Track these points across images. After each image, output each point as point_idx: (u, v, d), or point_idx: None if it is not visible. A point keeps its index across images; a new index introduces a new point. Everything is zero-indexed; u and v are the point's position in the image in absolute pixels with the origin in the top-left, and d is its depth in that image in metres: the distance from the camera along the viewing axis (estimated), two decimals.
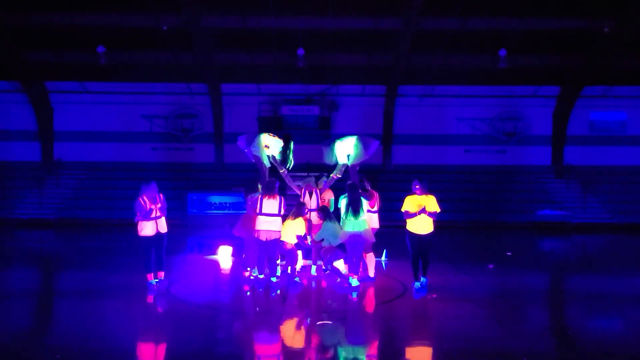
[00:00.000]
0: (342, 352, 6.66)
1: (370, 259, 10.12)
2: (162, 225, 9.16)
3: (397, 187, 19.28)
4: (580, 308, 9.23)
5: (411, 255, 9.27)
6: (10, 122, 25.23)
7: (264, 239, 9.58)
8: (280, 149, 10.87)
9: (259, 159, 10.69)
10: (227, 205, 22.08)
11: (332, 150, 10.83)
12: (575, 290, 10.78)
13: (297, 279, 9.99)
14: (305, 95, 25.12)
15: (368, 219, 9.73)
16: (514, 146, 25.83)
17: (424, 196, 9.15)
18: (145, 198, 9.01)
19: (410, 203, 9.10)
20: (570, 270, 13.47)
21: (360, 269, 9.86)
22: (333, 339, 7.12)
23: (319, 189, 10.93)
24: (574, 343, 7.12)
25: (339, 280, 9.94)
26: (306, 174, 12.91)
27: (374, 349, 6.91)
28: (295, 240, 9.93)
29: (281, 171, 10.95)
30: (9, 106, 25.18)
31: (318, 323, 7.58)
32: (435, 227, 9.24)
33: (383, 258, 12.67)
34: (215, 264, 12.37)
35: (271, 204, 9.59)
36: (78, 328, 7.33)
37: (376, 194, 10.25)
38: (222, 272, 11.67)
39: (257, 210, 9.62)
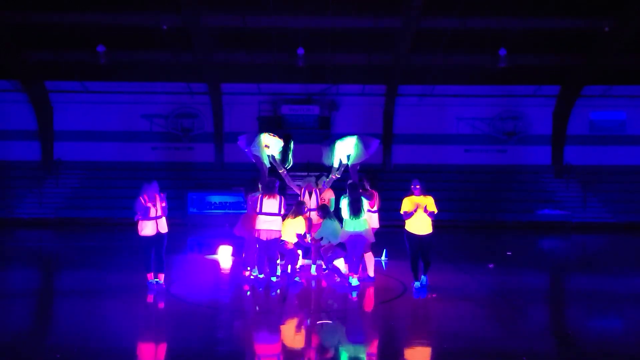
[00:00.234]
0: (342, 352, 6.66)
1: (369, 258, 10.13)
2: (163, 225, 9.15)
3: (397, 186, 19.27)
4: (580, 308, 9.23)
5: (410, 256, 9.27)
6: (10, 122, 25.23)
7: (265, 239, 9.59)
8: (280, 149, 10.88)
9: (259, 159, 10.69)
10: (227, 204, 22.08)
11: (332, 150, 10.85)
12: (575, 290, 10.79)
13: (297, 278, 10.00)
14: (305, 95, 25.12)
15: (368, 219, 9.74)
16: (514, 146, 25.83)
17: (422, 197, 9.14)
18: (146, 197, 9.00)
19: (409, 203, 9.10)
20: (570, 270, 13.47)
21: (360, 269, 9.87)
22: (333, 339, 7.12)
23: (319, 189, 10.94)
24: (574, 343, 7.12)
25: (338, 279, 9.94)
26: (306, 173, 12.94)
27: (374, 348, 6.91)
28: (295, 239, 9.94)
29: (280, 171, 10.97)
30: (9, 106, 25.18)
31: (318, 322, 7.59)
32: (434, 227, 9.24)
33: (383, 258, 12.68)
34: (215, 263, 12.37)
35: (271, 204, 9.60)
36: (78, 328, 7.33)
37: (376, 194, 10.25)
38: (222, 271, 11.68)
39: (257, 210, 9.63)
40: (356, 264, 9.63)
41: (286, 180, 11.06)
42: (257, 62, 23.50)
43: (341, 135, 11.26)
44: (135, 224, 9.19)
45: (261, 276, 9.89)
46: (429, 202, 9.14)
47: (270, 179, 10.02)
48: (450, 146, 25.71)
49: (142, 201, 8.98)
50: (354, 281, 9.54)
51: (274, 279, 9.65)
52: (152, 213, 9.01)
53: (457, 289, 9.77)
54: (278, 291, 9.34)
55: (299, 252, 10.53)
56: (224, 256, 13.01)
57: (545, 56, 23.47)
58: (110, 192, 23.33)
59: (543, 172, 25.40)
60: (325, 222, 10.02)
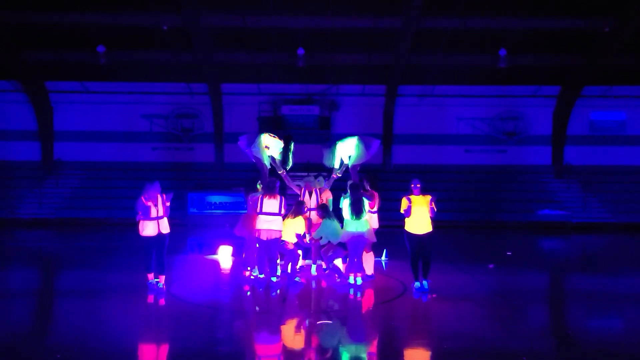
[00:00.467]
0: (342, 352, 6.66)
1: (369, 257, 10.13)
2: (164, 226, 9.12)
3: (397, 186, 19.26)
4: (580, 308, 9.23)
5: (410, 256, 9.26)
6: (10, 122, 25.24)
7: (265, 239, 9.59)
8: (281, 150, 10.87)
9: (259, 160, 10.69)
10: (227, 205, 22.08)
11: (333, 151, 10.83)
12: (575, 290, 10.78)
13: (297, 278, 10.00)
14: (306, 95, 25.13)
15: (368, 219, 9.74)
16: (514, 146, 25.83)
17: (420, 196, 9.14)
18: (147, 197, 8.99)
19: (406, 202, 9.09)
20: (570, 270, 13.48)
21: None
22: (333, 339, 7.11)
23: (319, 189, 10.94)
24: (574, 343, 7.12)
25: (338, 279, 9.95)
26: (306, 173, 12.90)
27: (374, 348, 6.91)
28: (295, 239, 9.94)
29: (280, 172, 10.96)
30: (9, 106, 25.19)
31: (318, 322, 7.58)
32: (434, 227, 9.23)
33: (383, 258, 12.67)
34: (216, 263, 12.37)
35: (271, 204, 9.59)
36: (78, 328, 7.33)
37: (376, 194, 10.25)
38: (222, 271, 11.68)
39: (258, 210, 9.63)
40: (358, 264, 9.64)
41: (286, 181, 11.06)
42: (257, 62, 23.51)
43: (341, 136, 11.26)
44: (136, 224, 9.18)
45: (261, 276, 9.88)
46: (428, 202, 9.13)
47: (271, 179, 10.01)
48: (450, 146, 25.71)
49: (144, 201, 8.96)
50: (359, 280, 9.56)
51: (274, 279, 9.64)
52: (154, 213, 9.00)
53: (457, 289, 9.77)
54: (278, 291, 9.34)
55: (299, 252, 10.52)
56: (224, 256, 13.01)
57: (546, 56, 23.48)
58: (110, 192, 23.34)
59: (543, 173, 25.40)
60: (324, 221, 10.03)
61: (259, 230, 9.62)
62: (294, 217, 10.01)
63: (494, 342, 6.90)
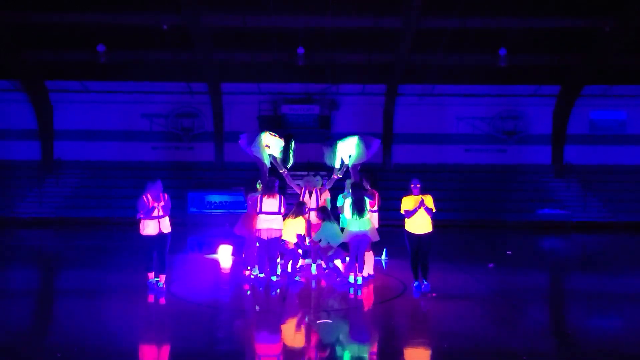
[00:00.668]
0: (342, 351, 6.66)
1: (369, 257, 10.14)
2: (165, 225, 9.10)
3: (397, 186, 19.27)
4: (581, 307, 9.23)
5: (410, 255, 9.26)
6: (10, 121, 25.25)
7: (266, 238, 9.58)
8: (281, 149, 10.85)
9: (259, 158, 10.68)
10: (227, 204, 22.08)
11: (333, 151, 10.83)
12: (576, 290, 10.78)
13: (297, 277, 10.01)
14: (306, 94, 25.13)
15: (370, 219, 9.74)
16: (514, 145, 25.84)
17: (420, 196, 9.13)
18: (149, 196, 8.98)
19: (408, 202, 9.10)
20: (570, 270, 13.47)
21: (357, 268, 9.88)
22: (333, 338, 7.12)
23: (319, 189, 10.94)
24: (574, 342, 7.13)
25: (338, 279, 9.95)
26: (306, 173, 12.92)
27: (373, 347, 6.91)
28: (295, 240, 9.94)
29: (281, 171, 10.95)
30: (9, 105, 25.21)
31: (318, 322, 7.59)
32: (434, 226, 9.22)
33: (383, 257, 12.67)
34: (216, 262, 12.37)
35: (271, 203, 9.59)
36: (78, 327, 7.33)
37: (377, 193, 10.26)
38: (222, 271, 11.68)
39: (258, 210, 9.62)
40: (360, 263, 9.65)
41: (287, 180, 11.04)
42: (257, 62, 23.51)
43: (341, 135, 11.26)
44: (137, 223, 9.16)
45: (261, 275, 9.89)
46: (428, 201, 9.12)
47: (270, 179, 10.00)
48: (450, 146, 25.72)
49: (145, 200, 8.95)
50: (359, 279, 9.57)
51: (274, 278, 9.64)
52: (155, 212, 8.99)
53: (457, 289, 9.78)
54: (278, 290, 9.34)
55: (299, 251, 10.52)
56: (224, 256, 13.01)
57: (545, 56, 23.49)
58: (110, 192, 23.35)
59: (543, 172, 25.41)
60: (324, 224, 10.03)
61: (259, 229, 9.62)
62: (294, 218, 10.01)
63: (494, 341, 6.90)
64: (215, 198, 22.31)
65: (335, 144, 10.90)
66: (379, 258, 12.37)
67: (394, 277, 10.58)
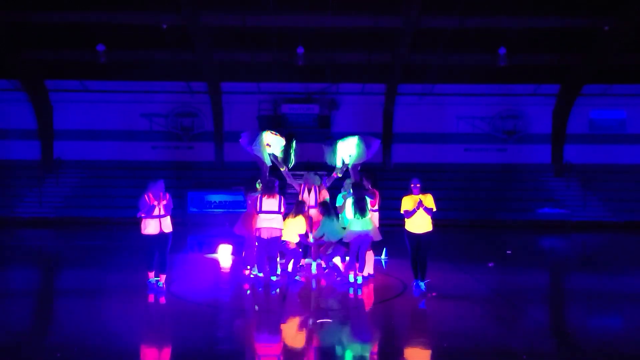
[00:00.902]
0: (342, 350, 6.66)
1: (369, 256, 10.14)
2: (166, 224, 9.08)
3: (397, 185, 19.27)
4: (580, 307, 9.23)
5: (410, 255, 9.27)
6: (10, 121, 25.24)
7: (266, 237, 9.57)
8: (282, 147, 10.84)
9: (260, 158, 10.67)
10: (227, 203, 22.08)
11: (334, 150, 10.83)
12: (575, 289, 10.79)
13: (298, 277, 10.00)
14: (305, 94, 25.13)
15: (372, 218, 9.74)
16: (514, 145, 25.84)
17: (421, 195, 9.14)
18: (150, 195, 8.97)
19: (408, 202, 9.10)
20: (570, 269, 13.48)
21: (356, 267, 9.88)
22: (333, 337, 7.12)
23: (319, 186, 10.94)
24: (574, 342, 7.13)
25: (338, 278, 9.96)
26: (306, 172, 12.88)
27: (373, 347, 6.91)
28: (297, 239, 9.93)
29: (282, 169, 10.93)
30: (9, 105, 25.19)
31: (318, 321, 7.59)
32: (434, 226, 9.22)
33: (383, 256, 12.68)
34: (215, 262, 12.37)
35: (271, 203, 9.57)
36: (78, 327, 7.33)
37: (377, 193, 10.26)
38: (222, 270, 11.68)
39: (257, 209, 9.62)
40: (360, 263, 9.65)
41: (287, 179, 11.02)
42: (257, 61, 23.49)
43: (341, 134, 11.25)
44: (138, 222, 9.15)
45: (260, 275, 9.88)
46: (428, 200, 9.12)
47: (270, 179, 9.98)
48: (450, 145, 25.72)
49: (147, 199, 8.94)
50: (359, 279, 9.57)
51: (274, 277, 9.64)
52: (156, 212, 8.98)
53: (457, 288, 9.78)
54: (278, 290, 9.34)
55: (300, 250, 10.52)
56: (224, 255, 13.01)
57: (545, 55, 23.49)
58: (110, 191, 23.33)
59: (543, 171, 25.41)
60: (325, 220, 10.04)
61: (259, 228, 9.61)
62: (294, 217, 10.01)
63: (494, 341, 6.90)
64: (215, 198, 22.30)
65: (336, 143, 10.90)
66: (379, 257, 12.37)
67: (394, 276, 10.59)
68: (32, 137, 25.32)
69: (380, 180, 13.19)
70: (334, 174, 10.96)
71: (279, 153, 10.80)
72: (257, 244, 9.93)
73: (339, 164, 10.88)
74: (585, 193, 23.61)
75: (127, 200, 20.71)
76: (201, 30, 21.52)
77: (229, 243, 13.03)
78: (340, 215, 10.51)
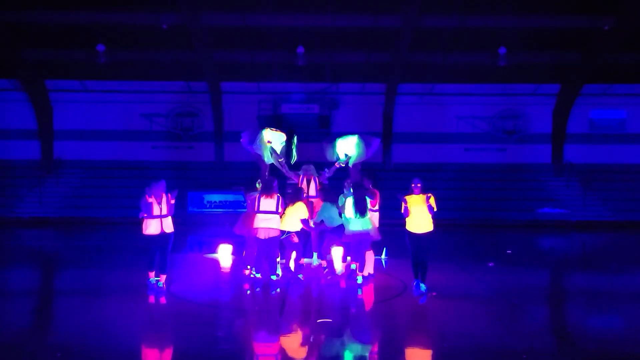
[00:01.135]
0: (342, 350, 6.66)
1: (369, 256, 10.14)
2: (168, 225, 9.08)
3: (397, 185, 19.22)
4: (581, 306, 9.23)
5: (411, 255, 9.27)
6: (10, 121, 25.25)
7: (263, 237, 9.54)
8: (283, 143, 10.81)
9: (260, 157, 10.66)
10: (227, 203, 22.08)
11: (333, 147, 10.83)
12: (576, 288, 10.79)
13: (300, 275, 9.97)
14: (305, 94, 25.12)
15: (371, 218, 9.73)
16: (514, 144, 25.84)
17: (422, 195, 9.13)
18: (152, 196, 8.96)
19: (408, 202, 9.10)
20: (570, 268, 13.48)
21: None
22: (333, 337, 7.11)
23: (318, 177, 10.90)
24: (574, 341, 7.13)
25: (329, 277, 9.93)
26: (305, 164, 12.83)
27: (374, 346, 6.92)
28: (300, 226, 9.82)
29: (280, 160, 10.79)
30: (9, 105, 25.20)
31: (318, 321, 7.58)
32: (435, 225, 9.21)
33: (383, 256, 12.67)
34: (215, 262, 12.37)
35: (269, 203, 9.54)
36: (79, 326, 7.33)
37: (378, 193, 10.25)
38: (222, 270, 11.68)
39: (255, 209, 9.60)
40: (360, 263, 9.64)
41: (283, 170, 10.90)
42: (257, 61, 23.51)
43: (342, 134, 11.23)
44: (139, 223, 9.15)
45: (258, 275, 9.80)
46: (429, 200, 9.13)
47: (269, 178, 9.95)
48: (450, 145, 25.72)
49: (148, 199, 8.94)
50: (359, 279, 9.57)
51: (274, 277, 9.62)
52: (157, 211, 8.97)
53: (457, 288, 9.78)
54: (278, 290, 9.33)
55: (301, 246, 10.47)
56: (224, 255, 13.01)
57: (545, 54, 23.48)
58: (110, 192, 23.33)
59: (543, 171, 25.41)
60: (324, 205, 10.00)
61: (256, 228, 9.57)
62: (293, 205, 9.91)
63: (494, 340, 6.90)
64: (215, 197, 22.31)
65: (335, 140, 10.87)
66: (379, 257, 12.37)
67: (394, 276, 10.58)
68: (32, 137, 25.33)
69: (380, 180, 13.17)
70: (336, 164, 10.88)
71: (279, 148, 10.76)
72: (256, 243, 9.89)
73: (341, 157, 10.82)
74: (585, 193, 23.60)
75: (127, 200, 20.71)
76: (201, 30, 21.52)
77: (229, 243, 13.02)
78: (341, 215, 10.48)
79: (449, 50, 22.22)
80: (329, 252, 10.30)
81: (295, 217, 9.81)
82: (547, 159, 25.79)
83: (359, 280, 9.60)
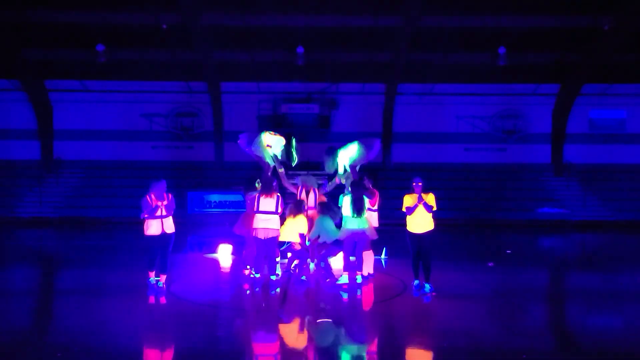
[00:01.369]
0: (342, 350, 6.67)
1: (369, 256, 10.13)
2: (169, 225, 9.08)
3: (397, 185, 19.29)
4: (580, 306, 9.24)
5: (411, 254, 9.27)
6: (10, 121, 25.24)
7: (262, 237, 9.54)
8: (283, 147, 10.78)
9: (262, 158, 10.61)
10: (227, 203, 22.08)
11: (334, 158, 10.66)
12: (575, 288, 10.80)
13: (303, 277, 9.94)
14: (305, 94, 25.12)
15: (368, 217, 9.73)
16: (514, 144, 25.84)
17: (422, 195, 9.14)
18: (152, 196, 8.96)
19: (409, 200, 9.11)
20: (570, 268, 13.49)
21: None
22: (333, 337, 7.12)
23: (318, 190, 10.82)
24: (573, 341, 7.14)
25: (328, 279, 9.91)
26: (306, 172, 12.82)
27: (373, 346, 6.92)
28: (298, 239, 9.85)
29: (280, 170, 10.82)
30: (9, 105, 25.19)
31: (318, 321, 7.59)
32: (435, 225, 9.22)
33: (383, 256, 12.68)
34: (215, 262, 12.38)
35: (268, 203, 9.54)
36: (79, 326, 7.33)
37: (377, 192, 10.25)
38: (222, 270, 11.68)
39: (255, 209, 9.59)
40: (358, 262, 9.63)
41: (282, 181, 10.83)
42: (256, 61, 23.51)
43: (341, 134, 11.25)
44: (140, 223, 9.15)
45: (257, 276, 9.79)
46: (430, 199, 9.13)
47: (268, 178, 9.95)
48: (450, 145, 25.72)
49: (149, 200, 8.94)
50: (359, 278, 9.56)
51: (273, 277, 9.62)
52: (158, 212, 8.97)
53: (457, 287, 9.79)
54: (278, 290, 9.34)
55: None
56: (224, 255, 13.01)
57: (545, 54, 23.48)
58: (110, 191, 23.34)
59: (543, 171, 25.42)
60: (319, 219, 9.93)
61: (255, 228, 9.56)
62: (294, 217, 9.91)
63: (494, 340, 6.91)
64: (215, 197, 22.31)
65: (336, 152, 10.74)
66: (379, 257, 12.37)
67: (394, 276, 10.59)
68: (32, 137, 25.32)
69: (380, 179, 13.19)
70: (336, 179, 10.81)
71: (279, 153, 10.72)
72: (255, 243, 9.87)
73: (340, 171, 10.74)
74: (585, 193, 23.61)
75: (127, 200, 20.74)
76: (201, 30, 21.52)
77: (229, 243, 13.02)
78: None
79: (449, 50, 22.22)
80: (327, 261, 10.25)
81: (295, 230, 9.80)
82: (547, 159, 25.80)
83: (359, 279, 9.61)
